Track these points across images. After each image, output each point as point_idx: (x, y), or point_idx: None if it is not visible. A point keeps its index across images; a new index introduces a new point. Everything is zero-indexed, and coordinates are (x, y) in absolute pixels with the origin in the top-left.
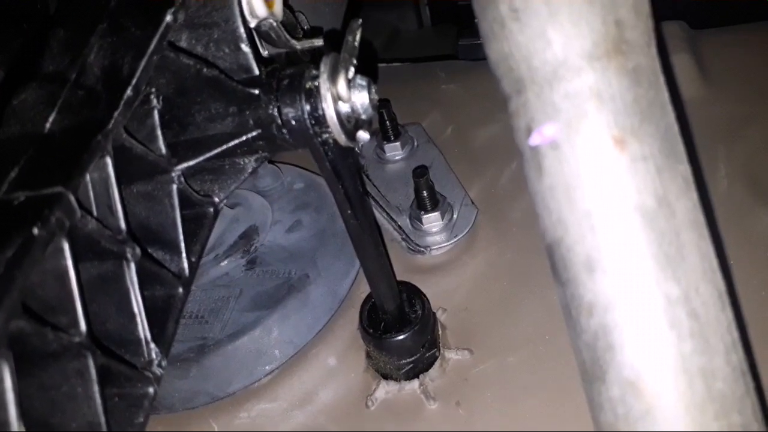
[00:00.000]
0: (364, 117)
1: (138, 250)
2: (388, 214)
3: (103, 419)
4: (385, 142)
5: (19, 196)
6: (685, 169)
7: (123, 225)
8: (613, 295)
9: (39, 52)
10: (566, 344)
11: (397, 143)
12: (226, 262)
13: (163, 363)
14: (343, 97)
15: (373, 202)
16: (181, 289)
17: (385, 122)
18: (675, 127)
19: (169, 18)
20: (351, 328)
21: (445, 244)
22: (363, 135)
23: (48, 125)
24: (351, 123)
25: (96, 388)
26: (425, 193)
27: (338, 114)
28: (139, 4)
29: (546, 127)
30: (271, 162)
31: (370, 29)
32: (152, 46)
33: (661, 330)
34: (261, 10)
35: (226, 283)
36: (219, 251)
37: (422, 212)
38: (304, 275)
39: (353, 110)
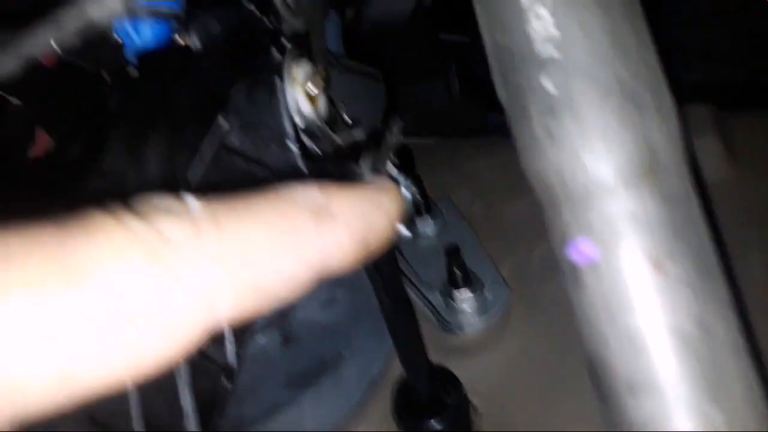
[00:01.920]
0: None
1: None
2: (419, 290)
3: None
4: (416, 217)
5: None
6: (721, 287)
7: None
8: (654, 416)
9: (100, 149)
10: None
11: (428, 218)
12: (260, 337)
13: None
14: None
15: (405, 278)
16: (228, 383)
17: (416, 197)
18: (708, 245)
19: (221, 118)
20: (383, 410)
21: (477, 324)
22: (404, 231)
23: None
24: None
25: None
26: (457, 272)
27: None
28: (196, 106)
29: (583, 245)
30: None
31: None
32: (204, 145)
33: None
34: (306, 109)
35: (263, 360)
36: (254, 327)
37: (454, 289)
38: (338, 354)
39: None
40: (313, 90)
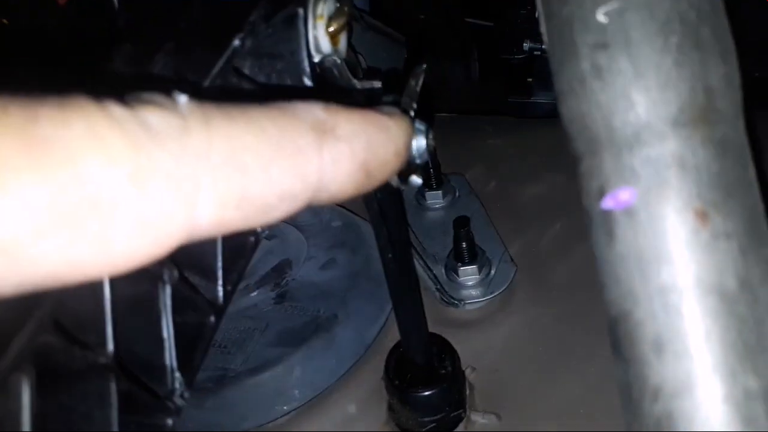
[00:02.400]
0: (418, 161)
1: (176, 273)
2: (424, 261)
3: None
4: (426, 190)
5: None
6: None
7: None
8: (682, 381)
9: (104, 65)
10: (600, 423)
11: (439, 192)
12: (255, 293)
13: (185, 394)
14: None
15: (415, 251)
16: (213, 318)
17: (428, 170)
18: (761, 207)
19: (236, 43)
20: (375, 377)
21: (481, 299)
22: (416, 179)
23: None
24: (409, 166)
25: (114, 413)
26: (464, 245)
27: None
28: (209, 27)
29: (622, 192)
30: None
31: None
32: (217, 68)
33: (735, 425)
34: (326, 46)
35: (254, 315)
36: (250, 281)
37: (459, 264)
38: (333, 315)
39: (410, 155)
40: (335, 28)
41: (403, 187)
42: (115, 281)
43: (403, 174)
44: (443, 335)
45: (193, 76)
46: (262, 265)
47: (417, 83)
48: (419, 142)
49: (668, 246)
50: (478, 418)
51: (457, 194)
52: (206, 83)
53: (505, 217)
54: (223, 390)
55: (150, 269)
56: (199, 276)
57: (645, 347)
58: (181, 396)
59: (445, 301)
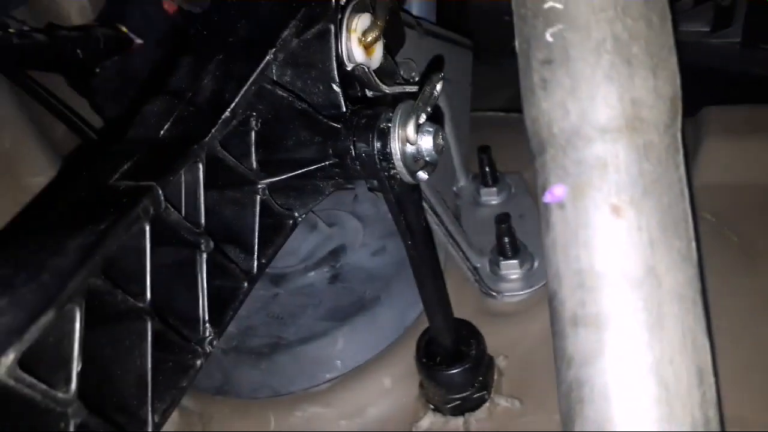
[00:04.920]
0: (428, 159)
1: (212, 244)
2: (464, 254)
3: (149, 376)
4: (482, 187)
5: (122, 185)
6: (685, 246)
7: (202, 221)
8: (589, 351)
9: (170, 72)
10: None
11: (494, 189)
12: (312, 273)
13: (215, 342)
14: (410, 139)
15: (452, 241)
16: (246, 284)
17: (484, 167)
18: (681, 206)
19: (269, 56)
20: (412, 356)
21: (520, 292)
22: (422, 175)
23: (162, 132)
24: (417, 163)
25: (149, 349)
26: (506, 240)
27: (404, 154)
28: (249, 42)
29: (556, 188)
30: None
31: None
32: (252, 79)
33: (628, 393)
34: (358, 57)
35: (309, 292)
36: (309, 262)
37: (501, 258)
38: (377, 297)
39: (418, 152)
40: (368, 41)
41: (413, 182)
42: (158, 246)
43: (415, 171)
44: (482, 324)
45: (236, 84)
46: (321, 249)
47: (432, 90)
48: (428, 143)
49: (587, 235)
50: (501, 402)
51: (512, 192)
52: (245, 88)
53: None
54: (275, 355)
55: (190, 238)
56: (238, 249)
57: (564, 322)
58: (211, 343)
59: (483, 291)
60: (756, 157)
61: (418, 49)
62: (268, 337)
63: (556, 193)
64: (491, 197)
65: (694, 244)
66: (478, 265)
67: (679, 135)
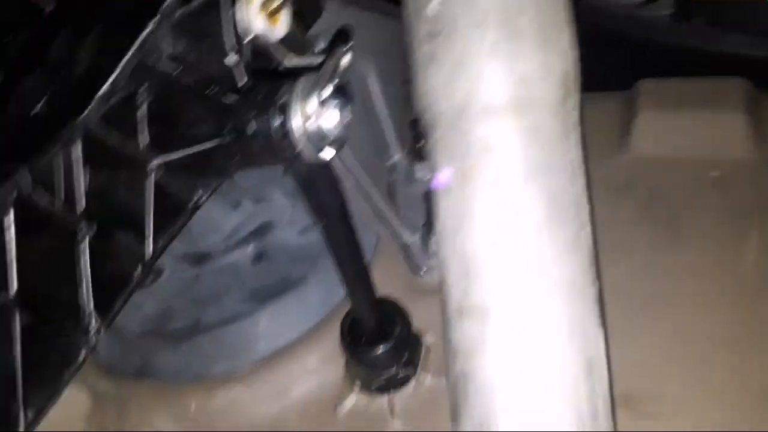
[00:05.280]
0: (333, 135)
1: (93, 229)
2: (395, 230)
3: (19, 372)
4: (416, 162)
5: None
6: (574, 233)
7: (82, 204)
8: (473, 343)
9: (45, 45)
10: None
11: (426, 163)
12: (236, 252)
13: (101, 331)
14: (312, 115)
15: (382, 218)
16: (139, 269)
17: (417, 142)
18: (571, 191)
19: (150, 27)
20: (338, 336)
21: None
22: (326, 153)
23: (36, 110)
24: (323, 140)
25: (18, 344)
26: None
27: (306, 130)
28: (130, 12)
29: (444, 172)
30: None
31: None
32: (132, 51)
33: (511, 389)
34: (258, 26)
35: (232, 272)
36: (232, 241)
37: (431, 234)
38: (303, 277)
39: (322, 128)
40: (270, 9)
41: (318, 161)
42: (30, 233)
43: (320, 148)
44: (411, 301)
45: (115, 56)
46: (246, 227)
47: (337, 63)
48: (333, 118)
49: (472, 222)
50: (427, 379)
51: None
52: (124, 61)
53: None
54: (195, 337)
55: (66, 224)
56: (130, 233)
57: (451, 312)
58: (97, 333)
59: (413, 269)
60: (688, 130)
61: (340, 19)
62: (189, 319)
63: (442, 177)
64: (426, 173)
65: (586, 231)
66: (410, 242)
67: (573, 115)
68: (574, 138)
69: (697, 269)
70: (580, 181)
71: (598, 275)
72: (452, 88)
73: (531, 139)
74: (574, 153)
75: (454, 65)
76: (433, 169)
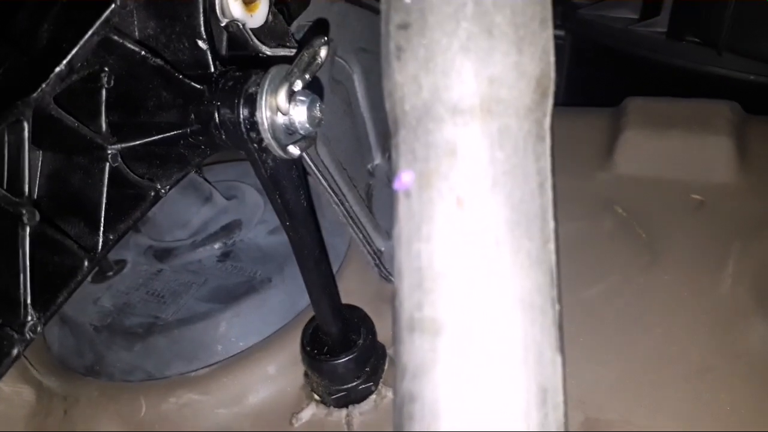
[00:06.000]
0: (302, 132)
1: (37, 216)
2: (367, 236)
3: None
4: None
5: None
6: (537, 248)
7: (26, 188)
8: (422, 361)
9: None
10: None
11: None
12: (201, 249)
13: (38, 328)
14: (281, 108)
15: (354, 223)
16: (87, 263)
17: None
18: (538, 203)
19: (115, 4)
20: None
21: None
22: (293, 150)
23: None
24: (291, 136)
25: None
26: None
27: (273, 124)
28: None
29: (404, 174)
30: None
31: None
32: (93, 28)
33: (458, 413)
34: (235, 12)
35: (196, 270)
36: (198, 237)
37: None
38: (268, 279)
39: (291, 123)
40: None
41: (285, 157)
42: None
43: (287, 144)
44: (380, 310)
45: (74, 34)
46: (214, 223)
47: (312, 56)
48: (302, 114)
49: (429, 230)
50: (389, 393)
51: None
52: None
53: None
54: (151, 336)
55: (8, 208)
56: (80, 222)
57: (402, 325)
58: (32, 330)
59: (383, 276)
60: (673, 151)
61: (328, 14)
62: (146, 316)
63: (404, 179)
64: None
65: (550, 246)
66: (383, 249)
67: (545, 121)
68: (545, 146)
69: (673, 293)
70: (549, 193)
71: (559, 297)
72: (418, 85)
73: (498, 143)
74: (545, 161)
75: (423, 60)
76: (394, 171)
